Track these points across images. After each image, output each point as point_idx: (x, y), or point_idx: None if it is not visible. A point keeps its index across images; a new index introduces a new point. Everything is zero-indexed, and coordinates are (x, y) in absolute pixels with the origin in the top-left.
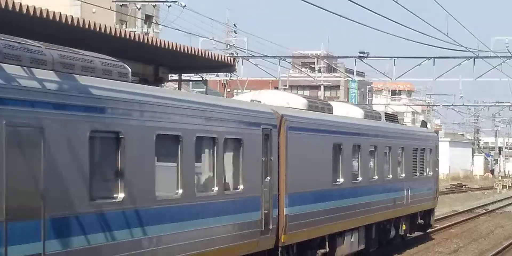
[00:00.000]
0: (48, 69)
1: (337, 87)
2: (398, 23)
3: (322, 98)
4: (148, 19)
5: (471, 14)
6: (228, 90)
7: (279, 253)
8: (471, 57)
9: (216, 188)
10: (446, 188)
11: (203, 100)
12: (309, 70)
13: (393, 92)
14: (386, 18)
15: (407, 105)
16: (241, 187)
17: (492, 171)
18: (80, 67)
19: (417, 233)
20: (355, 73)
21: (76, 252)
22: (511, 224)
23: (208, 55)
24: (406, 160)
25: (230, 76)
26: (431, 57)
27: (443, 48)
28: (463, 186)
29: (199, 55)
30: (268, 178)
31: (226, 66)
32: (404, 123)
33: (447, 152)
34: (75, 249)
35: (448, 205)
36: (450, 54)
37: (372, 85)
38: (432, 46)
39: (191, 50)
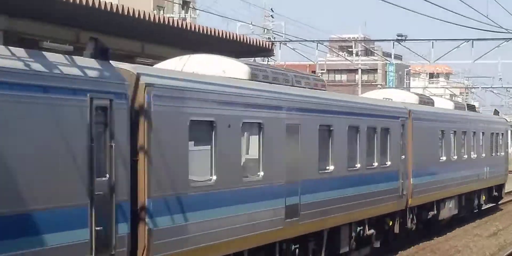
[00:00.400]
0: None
1: (374, 70)
2: (437, 5)
3: (360, 82)
4: (185, 4)
5: None
6: None
7: (407, 213)
8: (510, 38)
9: (375, 164)
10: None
11: (367, 102)
12: (346, 54)
13: (431, 75)
14: (425, 0)
15: (445, 87)
16: (388, 163)
17: None
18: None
19: (490, 204)
20: (393, 56)
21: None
22: None
23: (246, 40)
24: (485, 143)
25: (268, 61)
26: (470, 39)
27: (482, 30)
28: None
29: (237, 40)
30: (403, 156)
31: (264, 51)
32: (479, 111)
33: None
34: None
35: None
36: (489, 35)
37: (410, 68)
38: (471, 28)
39: (228, 35)
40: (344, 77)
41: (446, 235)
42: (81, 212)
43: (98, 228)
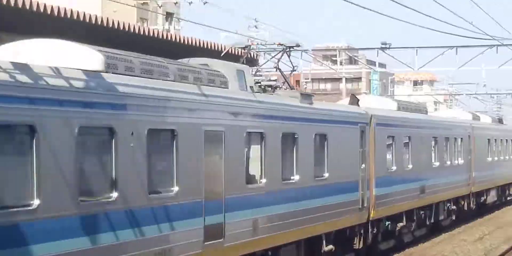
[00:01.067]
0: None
1: (358, 79)
2: (421, 13)
3: (344, 91)
4: (169, 16)
5: (497, 1)
6: None
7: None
8: (494, 45)
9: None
10: None
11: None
12: (330, 63)
13: (415, 83)
14: (408, 7)
15: (429, 95)
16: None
17: None
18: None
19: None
20: (377, 65)
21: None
22: None
23: (230, 50)
24: (502, 148)
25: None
26: (454, 46)
27: (467, 37)
28: None
29: (220, 50)
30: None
31: (249, 61)
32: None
33: None
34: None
35: None
36: (473, 42)
37: (393, 76)
38: (455, 35)
39: (212, 46)
40: (328, 86)
41: (432, 240)
42: (355, 184)
43: (362, 192)
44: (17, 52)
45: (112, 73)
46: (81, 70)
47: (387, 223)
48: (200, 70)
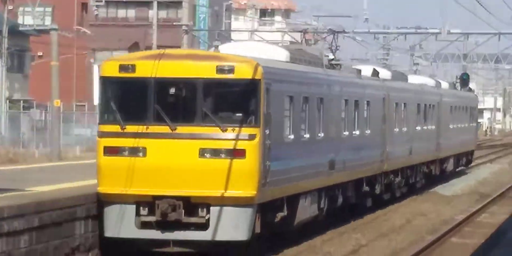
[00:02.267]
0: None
1: (178, 4)
2: None
3: (155, 20)
4: None
5: None
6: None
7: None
8: None
9: None
10: None
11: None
12: None
13: (263, 12)
14: None
15: (283, 31)
16: None
17: None
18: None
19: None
20: None
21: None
22: (436, 211)
23: None
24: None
25: None
26: None
27: None
28: None
29: None
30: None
31: None
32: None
33: None
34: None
35: None
36: None
37: (231, 2)
38: None
39: None
40: (131, 12)
41: (283, 253)
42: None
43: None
44: (237, 50)
45: (292, 63)
46: (270, 60)
47: None
48: (316, 56)
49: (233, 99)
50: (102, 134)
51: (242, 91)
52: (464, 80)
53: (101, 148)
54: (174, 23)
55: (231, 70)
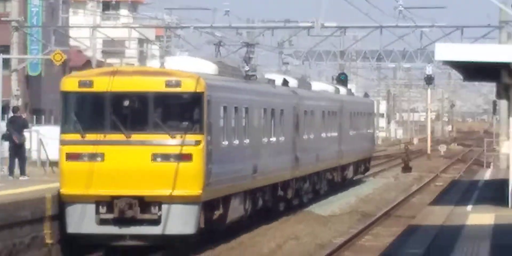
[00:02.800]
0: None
1: None
2: None
3: None
4: None
5: None
6: None
7: None
8: None
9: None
10: None
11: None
12: None
13: (107, 5)
14: None
15: (130, 27)
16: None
17: None
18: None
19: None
20: None
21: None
22: (311, 233)
23: None
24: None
25: None
26: None
27: None
28: None
29: None
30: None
31: None
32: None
33: None
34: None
35: None
36: None
37: None
38: None
39: None
40: None
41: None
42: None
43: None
44: (172, 64)
45: (221, 75)
46: (206, 74)
47: None
48: (237, 68)
49: (180, 109)
50: (64, 142)
51: (188, 102)
52: (342, 81)
53: (63, 154)
54: (2, 19)
55: (178, 84)
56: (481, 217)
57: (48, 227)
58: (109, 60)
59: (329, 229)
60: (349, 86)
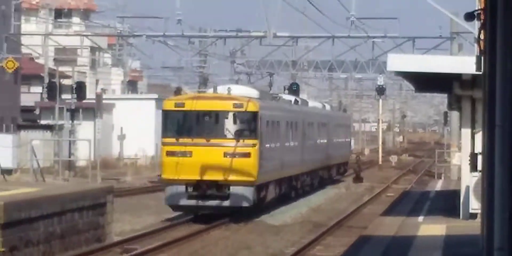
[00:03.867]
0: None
1: None
2: None
3: None
4: None
5: None
6: None
7: None
8: None
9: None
10: (151, 182)
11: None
12: None
13: (59, 13)
14: None
15: (83, 35)
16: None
17: None
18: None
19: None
20: None
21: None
22: (263, 243)
23: None
24: (340, 131)
25: None
26: None
27: None
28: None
29: None
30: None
31: None
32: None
33: (153, 119)
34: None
35: (155, 211)
36: None
37: (20, 0)
38: None
39: None
40: None
41: None
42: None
43: None
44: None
45: (261, 98)
46: (255, 98)
47: None
48: (267, 92)
49: (242, 122)
50: (165, 143)
51: (248, 118)
52: (294, 91)
53: (164, 152)
54: None
55: (241, 106)
56: (432, 228)
57: (0, 235)
58: (61, 68)
59: (281, 238)
60: (300, 95)
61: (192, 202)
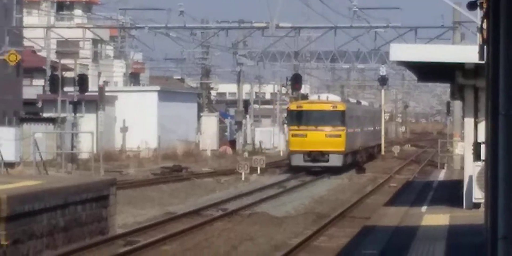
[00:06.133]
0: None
1: None
2: None
3: None
4: None
5: None
6: None
7: None
8: None
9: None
10: (154, 174)
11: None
12: None
13: (61, 5)
14: None
15: (85, 27)
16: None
17: (233, 143)
18: None
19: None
20: None
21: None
22: (266, 234)
23: None
24: (375, 122)
25: None
26: None
27: None
28: (184, 170)
29: None
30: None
31: None
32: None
33: (155, 111)
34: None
35: (158, 203)
36: None
37: None
38: None
39: None
40: None
41: None
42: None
43: None
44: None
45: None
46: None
47: None
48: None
49: (336, 117)
50: (291, 129)
51: (340, 114)
52: (296, 81)
53: (291, 134)
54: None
55: (336, 107)
56: (436, 218)
57: (3, 228)
58: (63, 61)
59: (284, 230)
60: (303, 86)
61: (307, 163)
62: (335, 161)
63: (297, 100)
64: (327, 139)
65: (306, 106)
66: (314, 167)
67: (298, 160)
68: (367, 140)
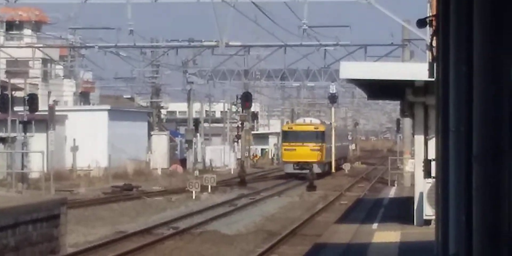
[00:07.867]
0: None
1: None
2: None
3: None
4: None
5: None
6: None
7: None
8: None
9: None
10: (105, 193)
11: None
12: None
13: (10, 25)
14: None
15: (35, 47)
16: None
17: (184, 162)
18: None
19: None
20: None
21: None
22: (217, 253)
23: None
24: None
25: None
26: None
27: None
28: (134, 189)
29: None
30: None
31: None
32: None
33: (106, 130)
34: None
35: (109, 222)
36: None
37: None
38: None
39: None
40: None
41: None
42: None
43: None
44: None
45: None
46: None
47: None
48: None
49: (317, 135)
50: (284, 145)
51: (320, 133)
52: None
53: (283, 148)
54: None
55: (318, 128)
56: (387, 234)
57: None
58: (13, 81)
59: (235, 248)
60: (253, 105)
61: (296, 171)
62: (317, 169)
63: (246, 118)
64: (311, 152)
65: (295, 127)
66: (300, 174)
67: (289, 168)
68: (337, 153)
